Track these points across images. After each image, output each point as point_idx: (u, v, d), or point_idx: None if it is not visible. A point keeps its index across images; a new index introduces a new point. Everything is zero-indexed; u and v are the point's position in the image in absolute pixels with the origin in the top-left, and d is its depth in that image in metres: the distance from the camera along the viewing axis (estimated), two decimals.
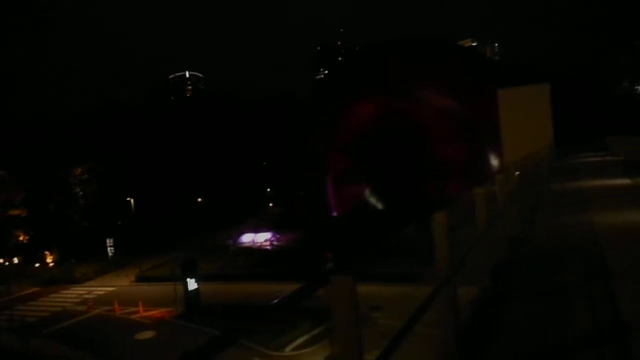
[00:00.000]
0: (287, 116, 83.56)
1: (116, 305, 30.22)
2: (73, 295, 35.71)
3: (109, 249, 44.56)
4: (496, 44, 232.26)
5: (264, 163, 79.54)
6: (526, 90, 34.69)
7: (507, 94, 35.27)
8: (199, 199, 70.26)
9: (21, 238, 45.80)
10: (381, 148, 48.97)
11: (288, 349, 21.92)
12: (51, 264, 44.01)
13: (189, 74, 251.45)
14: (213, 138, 76.37)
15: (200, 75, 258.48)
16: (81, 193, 48.41)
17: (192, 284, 27.50)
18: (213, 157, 74.52)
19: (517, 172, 12.55)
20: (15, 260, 45.69)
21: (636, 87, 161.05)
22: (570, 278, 6.01)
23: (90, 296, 34.41)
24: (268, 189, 77.37)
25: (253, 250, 43.96)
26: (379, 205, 50.76)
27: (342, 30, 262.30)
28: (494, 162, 41.58)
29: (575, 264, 6.66)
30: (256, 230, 48.86)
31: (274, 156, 75.84)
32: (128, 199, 42.32)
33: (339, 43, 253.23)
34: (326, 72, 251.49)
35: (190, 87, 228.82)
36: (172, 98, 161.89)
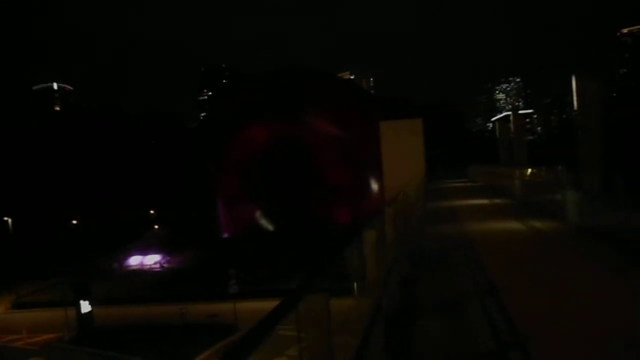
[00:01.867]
0: (172, 136, 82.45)
1: None
2: None
3: None
4: (371, 78, 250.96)
5: (147, 183, 77.09)
6: (403, 124, 39.50)
7: (387, 126, 39.83)
8: (74, 221, 65.71)
9: None
10: (271, 171, 51.00)
11: None
12: None
13: (57, 86, 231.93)
14: (88, 156, 72.50)
15: (70, 87, 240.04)
16: None
17: (85, 307, 26.67)
18: (88, 177, 70.66)
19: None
20: None
21: (487, 124, 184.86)
22: (459, 264, 8.70)
23: None
24: (151, 211, 74.88)
25: (143, 273, 42.85)
26: (269, 227, 52.50)
27: (224, 53, 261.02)
28: (375, 186, 45.98)
29: (459, 256, 9.43)
30: (144, 252, 47.54)
31: (159, 177, 74.09)
32: (5, 218, 38.56)
33: (223, 65, 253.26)
34: (209, 93, 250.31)
35: (58, 100, 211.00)
36: (38, 111, 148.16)
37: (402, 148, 37.42)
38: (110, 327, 27.56)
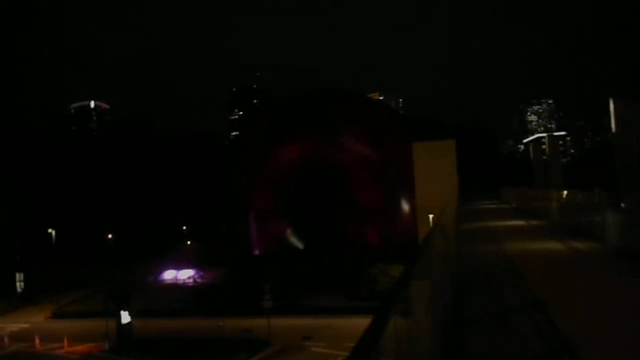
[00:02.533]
0: (205, 153, 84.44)
1: (37, 341, 29.02)
2: None
3: (18, 283, 41.83)
4: (400, 99, 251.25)
5: (180, 199, 78.95)
6: (436, 145, 39.69)
7: (420, 147, 40.13)
8: (110, 235, 67.70)
9: None
10: (304, 190, 51.68)
11: None
12: None
13: (94, 104, 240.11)
14: (126, 172, 74.86)
15: (107, 106, 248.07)
16: None
17: (125, 317, 27.60)
18: (125, 192, 72.87)
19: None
20: None
21: (519, 146, 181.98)
22: (499, 277, 9.06)
23: (3, 333, 32.34)
24: (184, 226, 76.51)
25: (177, 287, 43.85)
26: (300, 245, 52.93)
27: (258, 74, 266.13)
28: (407, 207, 45.99)
29: (500, 271, 9.77)
30: (178, 267, 48.64)
31: (191, 192, 75.77)
32: (49, 230, 40.29)
33: (254, 86, 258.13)
34: (240, 113, 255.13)
35: (95, 118, 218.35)
36: (74, 128, 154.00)
37: (435, 169, 37.49)
38: (148, 338, 28.39)
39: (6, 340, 30.29)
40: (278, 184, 52.26)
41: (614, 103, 18.17)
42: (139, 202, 72.16)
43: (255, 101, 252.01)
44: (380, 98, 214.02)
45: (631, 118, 19.02)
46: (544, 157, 36.82)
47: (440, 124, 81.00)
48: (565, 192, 25.12)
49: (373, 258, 40.75)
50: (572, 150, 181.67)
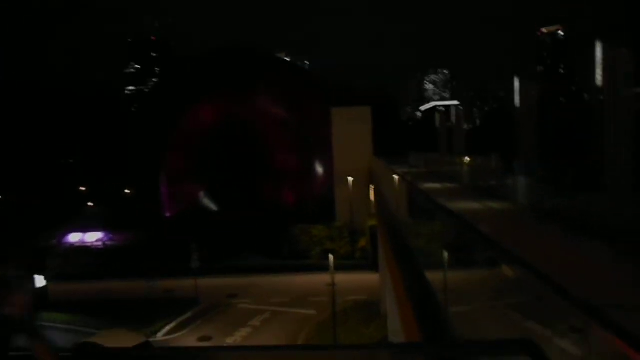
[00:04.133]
0: (101, 109, 78.81)
1: None
2: None
3: None
4: (306, 61, 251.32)
5: (74, 159, 73.73)
6: (353, 111, 41.62)
7: (337, 113, 41.76)
8: None
9: None
10: (218, 152, 51.29)
11: (160, 334, 23.39)
12: None
13: None
14: (10, 129, 67.98)
15: None
16: None
17: (40, 281, 26.38)
18: (11, 151, 66.49)
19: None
20: None
21: (416, 112, 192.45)
22: None
23: None
24: (82, 188, 71.83)
25: (86, 250, 41.96)
26: (214, 207, 52.80)
27: (156, 25, 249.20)
28: (323, 169, 47.79)
29: None
30: (84, 229, 46.31)
31: (88, 152, 71.15)
32: None
33: (153, 38, 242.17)
34: (137, 66, 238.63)
35: None
36: None
37: (352, 135, 39.57)
38: (65, 302, 27.44)
39: None
40: (191, 145, 51.36)
41: (520, 81, 20.85)
42: (29, 162, 66.28)
43: (153, 54, 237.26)
44: (287, 59, 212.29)
45: (531, 95, 21.89)
46: (448, 124, 40.32)
47: (348, 89, 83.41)
48: (470, 158, 28.06)
49: (290, 219, 42.25)
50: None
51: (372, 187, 33.82)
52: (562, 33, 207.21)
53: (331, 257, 19.56)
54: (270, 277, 33.08)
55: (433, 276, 9.13)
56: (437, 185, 20.82)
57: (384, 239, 17.21)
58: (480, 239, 8.73)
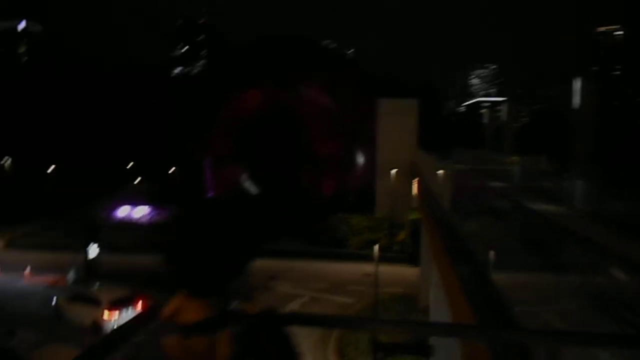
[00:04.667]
0: (149, 90, 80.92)
1: (27, 270, 28.57)
2: None
3: None
4: (352, 49, 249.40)
5: (125, 137, 76.01)
6: (399, 103, 41.36)
7: (385, 104, 41.61)
8: (52, 167, 64.72)
9: None
10: (262, 137, 52.03)
11: None
12: None
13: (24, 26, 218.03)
14: (64, 102, 70.73)
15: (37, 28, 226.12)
16: None
17: (93, 251, 27.78)
18: (68, 125, 69.28)
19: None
20: None
21: (459, 108, 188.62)
22: None
23: None
24: (130, 164, 74.28)
25: (134, 224, 43.73)
26: (255, 190, 53.66)
27: (205, 9, 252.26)
28: (366, 159, 47.74)
29: None
30: (132, 204, 48.22)
31: (137, 130, 73.26)
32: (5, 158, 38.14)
33: (202, 21, 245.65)
34: (185, 47, 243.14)
35: (25, 42, 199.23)
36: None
37: (397, 126, 39.41)
38: (115, 273, 28.79)
39: None
40: (236, 129, 52.27)
41: (581, 81, 20.20)
42: (81, 138, 68.88)
43: (201, 37, 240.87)
44: (333, 46, 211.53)
45: (590, 95, 21.21)
46: (497, 121, 39.53)
47: (392, 79, 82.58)
48: (521, 158, 27.54)
49: (330, 207, 42.58)
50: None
51: (415, 181, 33.65)
52: (620, 32, 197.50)
53: (376, 247, 19.80)
54: (309, 262, 33.63)
55: (496, 274, 9.20)
56: (491, 184, 20.66)
57: (430, 233, 17.23)
58: (570, 239, 8.71)
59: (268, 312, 1.42)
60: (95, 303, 22.19)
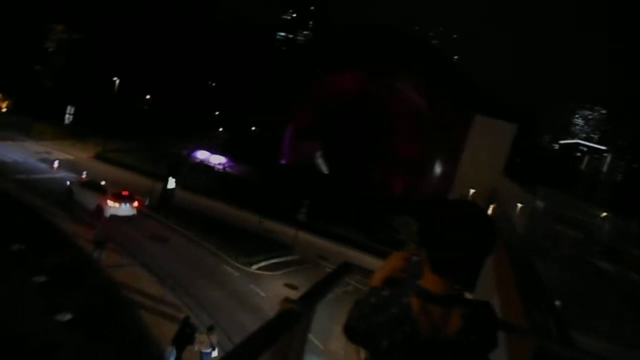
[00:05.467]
0: (253, 50, 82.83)
1: (84, 175, 30.99)
2: (31, 151, 35.37)
3: (67, 115, 43.58)
4: (456, 56, 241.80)
5: (221, 86, 78.45)
6: (497, 124, 39.63)
7: (480, 120, 40.11)
8: (147, 97, 68.45)
9: None
10: (345, 121, 52.01)
11: (254, 267, 25.18)
12: (4, 110, 42.14)
13: None
14: (174, 41, 73.56)
15: None
16: (51, 49, 46.19)
17: (171, 183, 29.47)
18: (174, 62, 72.41)
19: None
20: None
21: (553, 144, 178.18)
22: None
23: (51, 157, 34.47)
24: (217, 112, 77.09)
25: (208, 169, 45.79)
26: (325, 170, 54.17)
27: None
28: (444, 170, 46.68)
29: None
30: (211, 150, 50.43)
31: (234, 83, 75.52)
32: (114, 78, 41.28)
33: None
34: (294, 15, 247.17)
35: None
36: None
37: (487, 146, 37.92)
38: (185, 209, 30.48)
39: (56, 164, 32.41)
40: (323, 107, 52.56)
41: None
42: (182, 77, 71.75)
43: (312, 8, 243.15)
44: (435, 42, 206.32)
45: None
46: (594, 170, 37.07)
47: (493, 96, 79.21)
48: (612, 215, 25.79)
49: (395, 207, 42.25)
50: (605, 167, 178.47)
51: (491, 207, 32.52)
52: None
53: None
54: (360, 254, 33.82)
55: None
56: (574, 232, 19.62)
57: (499, 262, 16.69)
58: None
59: (484, 303, 1.68)
60: (101, 191, 26.18)
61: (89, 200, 25.95)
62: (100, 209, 25.21)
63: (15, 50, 43.42)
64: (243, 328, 18.19)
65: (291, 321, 2.18)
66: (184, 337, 12.94)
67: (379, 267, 2.08)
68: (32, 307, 14.43)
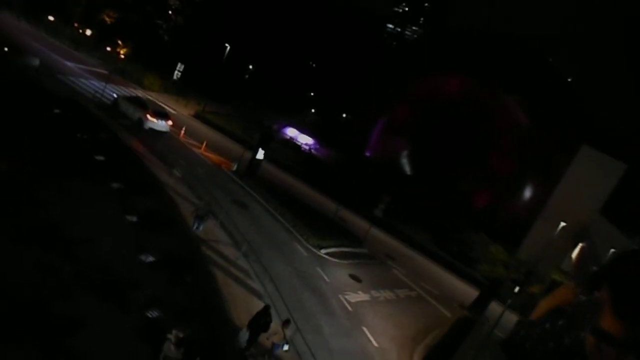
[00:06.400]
0: (360, 38, 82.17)
1: (183, 131, 32.79)
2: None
3: (176, 72, 46.34)
4: (569, 78, 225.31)
5: (316, 65, 78.30)
6: (604, 159, 36.57)
7: (586, 151, 37.32)
8: (250, 67, 70.43)
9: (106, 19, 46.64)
10: (444, 126, 50.58)
11: (322, 251, 25.44)
12: (122, 56, 45.62)
13: None
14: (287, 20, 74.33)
15: None
16: (175, 7, 49.20)
17: (260, 154, 30.40)
18: (281, 39, 73.55)
19: None
20: (88, 32, 46.84)
21: None
22: None
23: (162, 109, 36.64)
24: (312, 93, 77.78)
25: (295, 147, 46.74)
26: (409, 171, 53.18)
27: None
28: (530, 197, 44.04)
29: None
30: (300, 129, 51.35)
31: (336, 68, 75.55)
32: (226, 44, 43.22)
33: None
34: (407, 8, 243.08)
35: None
36: None
37: (587, 180, 35.30)
38: (268, 181, 31.39)
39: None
40: (422, 107, 51.45)
41: None
42: (280, 55, 72.05)
43: (426, 5, 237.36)
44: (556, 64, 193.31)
45: None
46: None
47: (606, 129, 73.00)
48: None
49: (474, 221, 40.74)
50: None
51: (579, 246, 30.40)
52: None
53: (517, 288, 18.63)
54: (429, 262, 33.09)
55: None
56: None
57: None
58: None
59: None
60: (144, 107, 30.21)
61: (133, 112, 30.00)
62: (141, 121, 29.39)
63: (142, 2, 46.62)
64: (302, 306, 18.53)
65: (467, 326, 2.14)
66: (260, 324, 13.37)
67: (547, 296, 2.00)
68: (121, 244, 15.58)
